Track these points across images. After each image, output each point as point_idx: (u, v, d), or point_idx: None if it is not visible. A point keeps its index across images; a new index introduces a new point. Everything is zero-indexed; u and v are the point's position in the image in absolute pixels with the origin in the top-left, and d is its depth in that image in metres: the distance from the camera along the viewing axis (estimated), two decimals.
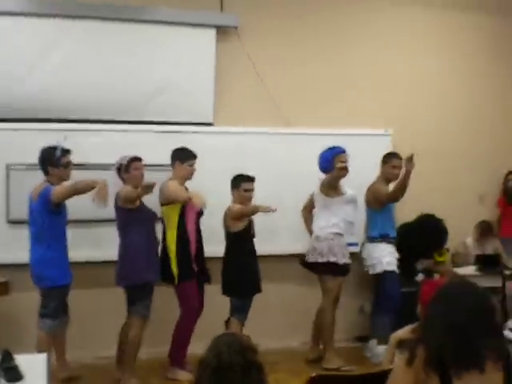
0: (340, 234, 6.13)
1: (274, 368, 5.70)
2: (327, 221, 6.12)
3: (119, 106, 6.39)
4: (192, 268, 5.65)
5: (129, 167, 5.55)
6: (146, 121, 6.49)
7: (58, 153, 5.28)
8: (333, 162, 6.06)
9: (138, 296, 5.43)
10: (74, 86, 6.26)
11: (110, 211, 5.47)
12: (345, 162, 6.06)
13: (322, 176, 6.17)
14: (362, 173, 6.54)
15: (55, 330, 5.31)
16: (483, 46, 7.73)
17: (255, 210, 5.66)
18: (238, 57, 6.71)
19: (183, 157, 5.80)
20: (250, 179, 5.84)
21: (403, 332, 3.34)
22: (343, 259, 6.07)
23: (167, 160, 5.95)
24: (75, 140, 5.98)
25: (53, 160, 5.30)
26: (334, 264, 6.05)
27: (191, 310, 5.67)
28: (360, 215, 6.42)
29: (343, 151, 6.11)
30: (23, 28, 6.18)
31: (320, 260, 6.07)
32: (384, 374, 2.83)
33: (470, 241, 7.27)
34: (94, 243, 6.16)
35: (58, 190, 5.19)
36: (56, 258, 5.23)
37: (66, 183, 5.31)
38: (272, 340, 6.43)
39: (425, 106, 7.44)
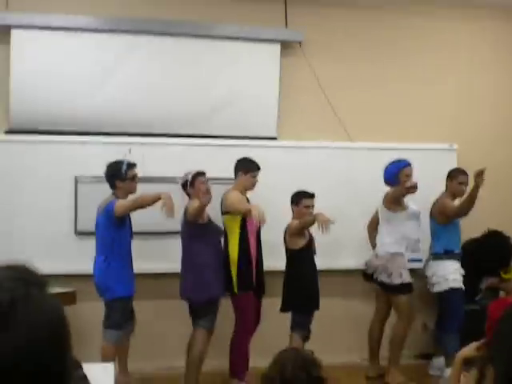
0: (399, 254, 6.06)
1: None
2: (389, 237, 6.08)
3: (184, 120, 6.49)
4: (251, 280, 5.66)
5: (194, 182, 5.62)
6: (211, 135, 6.56)
7: (124, 167, 5.40)
8: (398, 176, 6.04)
9: (203, 310, 5.48)
10: (140, 101, 6.39)
11: (175, 223, 5.54)
12: (410, 175, 6.03)
13: (387, 189, 6.15)
14: (427, 188, 6.47)
15: (119, 341, 5.40)
16: None
17: (313, 220, 5.59)
18: (302, 72, 6.74)
19: (247, 167, 5.84)
20: (311, 196, 5.82)
21: (469, 350, 3.29)
22: (398, 279, 6.00)
23: (231, 174, 6.00)
24: (140, 153, 6.13)
25: (119, 174, 5.42)
26: (395, 284, 6.01)
27: (247, 322, 5.68)
28: (424, 231, 6.33)
29: (409, 164, 6.09)
30: (91, 44, 6.37)
31: (377, 277, 6.10)
32: None
33: None
34: (160, 254, 6.23)
35: (121, 203, 5.30)
36: (119, 270, 5.34)
37: (130, 197, 5.41)
38: (334, 355, 6.38)
39: (490, 121, 7.33)
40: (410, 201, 6.17)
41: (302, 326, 5.74)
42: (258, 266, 5.77)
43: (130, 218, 5.51)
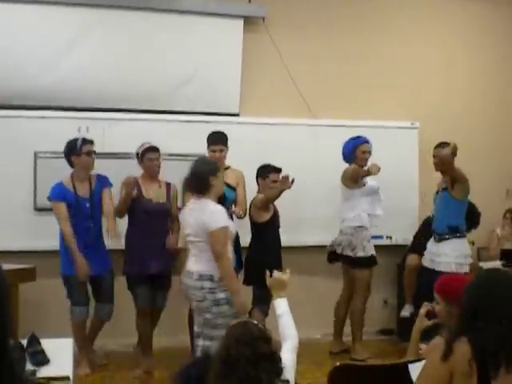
0: (361, 227, 6.11)
1: (297, 360, 5.72)
2: (351, 212, 6.11)
3: (146, 96, 6.42)
4: None
5: (142, 157, 5.69)
6: (173, 110, 6.51)
7: (79, 142, 5.44)
8: (355, 152, 6.09)
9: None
10: (102, 76, 6.30)
11: None
12: (366, 152, 6.07)
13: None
14: (388, 166, 6.52)
15: (80, 317, 5.46)
16: None
17: (280, 191, 5.52)
18: (265, 48, 6.70)
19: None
20: (278, 170, 5.81)
21: (420, 323, 3.33)
22: (361, 252, 6.06)
23: (192, 150, 5.98)
24: (101, 128, 6.08)
25: (75, 150, 5.46)
26: (359, 257, 6.05)
27: None
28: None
29: (366, 141, 6.11)
30: (52, 17, 6.22)
31: (342, 253, 6.13)
32: (408, 364, 2.83)
33: (499, 231, 7.21)
34: None
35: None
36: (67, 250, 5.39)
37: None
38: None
39: (453, 100, 7.38)
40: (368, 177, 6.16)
41: (262, 301, 5.75)
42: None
43: (93, 203, 5.52)
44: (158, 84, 6.42)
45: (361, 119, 6.84)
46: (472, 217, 6.10)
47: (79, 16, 6.28)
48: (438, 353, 2.41)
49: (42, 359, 3.35)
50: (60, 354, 3.45)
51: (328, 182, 6.48)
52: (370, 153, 6.13)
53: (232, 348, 2.43)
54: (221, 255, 4.39)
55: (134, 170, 5.97)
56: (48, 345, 3.50)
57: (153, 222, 5.55)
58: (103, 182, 5.64)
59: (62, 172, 5.79)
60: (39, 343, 3.49)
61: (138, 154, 5.67)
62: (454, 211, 5.80)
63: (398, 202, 6.76)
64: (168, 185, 5.75)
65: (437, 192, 6.05)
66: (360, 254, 6.08)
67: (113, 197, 5.61)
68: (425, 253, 5.94)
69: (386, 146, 6.72)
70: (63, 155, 5.54)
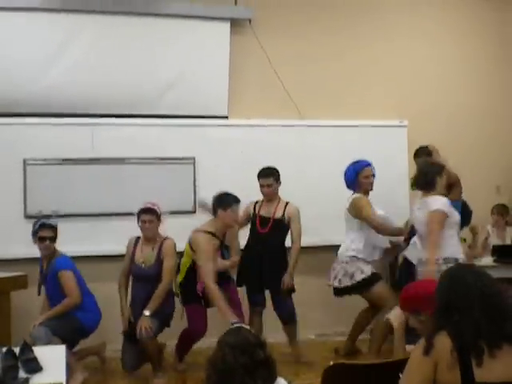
0: (357, 257, 5.78)
1: (290, 360, 5.76)
2: (351, 244, 5.84)
3: (133, 100, 6.40)
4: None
5: (138, 219, 5.52)
6: (160, 114, 6.50)
7: (36, 227, 5.31)
8: (357, 179, 5.84)
9: None
10: (89, 81, 6.28)
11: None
12: (369, 176, 5.86)
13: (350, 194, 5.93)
14: (376, 165, 6.54)
15: None
16: (505, 37, 7.67)
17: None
18: (252, 50, 6.71)
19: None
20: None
21: (399, 317, 3.31)
22: (360, 275, 5.72)
23: (181, 153, 5.99)
24: (90, 134, 6.09)
25: (33, 234, 5.34)
26: (360, 280, 5.77)
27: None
28: None
29: (366, 165, 5.88)
30: (38, 23, 6.20)
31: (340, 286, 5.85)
32: (400, 363, 2.85)
33: (489, 228, 7.23)
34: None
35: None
36: None
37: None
38: (307, 331, 6.48)
39: (441, 98, 7.38)
40: (376, 205, 5.93)
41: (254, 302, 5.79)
42: None
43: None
44: (145, 88, 6.42)
45: (350, 119, 6.85)
46: (464, 215, 6.12)
47: (65, 22, 6.26)
48: (420, 349, 2.46)
49: (34, 367, 3.35)
50: (53, 361, 3.46)
51: (317, 184, 6.50)
52: (373, 176, 5.90)
53: (228, 356, 2.38)
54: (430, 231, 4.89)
55: (123, 175, 5.99)
56: (40, 352, 3.50)
57: (139, 286, 5.48)
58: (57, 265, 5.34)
59: (52, 179, 5.80)
60: (32, 351, 3.49)
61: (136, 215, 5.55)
62: None
63: (388, 201, 6.74)
64: (161, 244, 5.50)
65: None
66: (359, 277, 5.75)
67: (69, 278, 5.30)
68: (410, 248, 5.75)
69: (375, 144, 6.75)
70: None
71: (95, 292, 5.53)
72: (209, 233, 5.38)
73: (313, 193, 6.55)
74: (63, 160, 6.13)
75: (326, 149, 6.27)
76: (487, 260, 6.63)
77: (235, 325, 3.06)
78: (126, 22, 6.41)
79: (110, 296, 5.59)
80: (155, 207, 5.46)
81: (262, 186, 5.82)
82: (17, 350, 3.50)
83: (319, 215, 6.49)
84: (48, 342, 4.77)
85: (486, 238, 7.17)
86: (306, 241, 6.30)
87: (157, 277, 5.41)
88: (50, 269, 5.28)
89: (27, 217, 6.05)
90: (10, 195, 6.06)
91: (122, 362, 5.51)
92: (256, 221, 5.86)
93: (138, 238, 5.58)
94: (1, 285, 5.33)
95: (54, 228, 5.32)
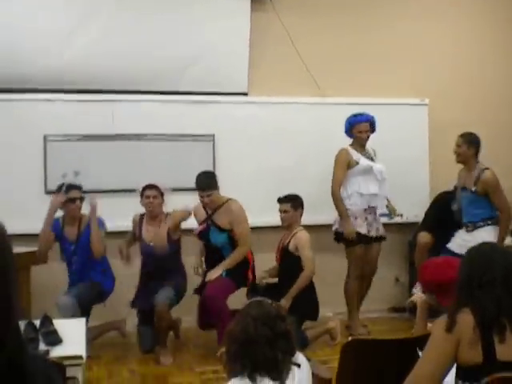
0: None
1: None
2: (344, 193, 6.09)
3: (154, 77, 6.39)
4: None
5: (142, 194, 5.61)
6: (180, 91, 6.48)
7: (64, 189, 5.37)
8: (352, 131, 6.07)
9: None
10: (110, 57, 6.26)
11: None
12: (363, 132, 6.02)
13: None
14: (398, 143, 6.52)
15: None
16: None
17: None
18: (273, 26, 6.66)
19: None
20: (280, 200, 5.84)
21: (422, 299, 3.34)
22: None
23: (200, 130, 5.97)
24: (110, 110, 6.10)
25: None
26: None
27: None
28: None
29: (364, 120, 6.04)
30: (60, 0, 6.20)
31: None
32: (418, 340, 2.84)
33: None
34: None
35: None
36: None
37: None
38: None
39: (462, 76, 7.31)
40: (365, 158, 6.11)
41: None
42: None
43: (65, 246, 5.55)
44: (165, 65, 6.39)
45: (370, 97, 6.80)
46: None
47: None
48: (443, 325, 2.44)
49: (54, 339, 3.38)
50: (72, 334, 3.49)
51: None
52: (367, 132, 6.05)
53: (250, 327, 2.40)
54: None
55: (143, 151, 6.00)
56: (60, 325, 3.53)
57: (151, 263, 5.59)
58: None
59: (72, 155, 5.82)
60: (52, 323, 3.52)
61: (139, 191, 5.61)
62: (485, 206, 5.75)
63: (408, 180, 6.74)
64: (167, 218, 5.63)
65: (461, 187, 5.95)
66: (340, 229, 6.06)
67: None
68: (454, 238, 5.87)
69: (396, 123, 6.73)
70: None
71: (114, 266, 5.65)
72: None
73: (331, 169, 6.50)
74: (83, 136, 6.14)
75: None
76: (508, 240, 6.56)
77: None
78: None
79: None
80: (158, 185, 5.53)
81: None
82: (37, 322, 3.54)
83: None
84: (73, 315, 4.85)
85: None
86: (323, 218, 6.31)
87: (164, 255, 5.55)
88: (84, 229, 5.44)
89: (47, 192, 6.07)
90: (31, 171, 6.09)
91: (139, 344, 5.59)
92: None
93: (143, 215, 5.63)
94: (21, 260, 5.36)
95: (81, 189, 5.44)
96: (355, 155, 6.07)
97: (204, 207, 5.61)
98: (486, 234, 5.61)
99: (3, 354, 1.18)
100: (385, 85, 6.95)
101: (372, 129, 6.12)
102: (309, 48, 6.77)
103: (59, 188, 5.41)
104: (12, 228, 1.62)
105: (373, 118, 6.12)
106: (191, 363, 5.37)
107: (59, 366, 2.70)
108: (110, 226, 5.89)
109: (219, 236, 5.61)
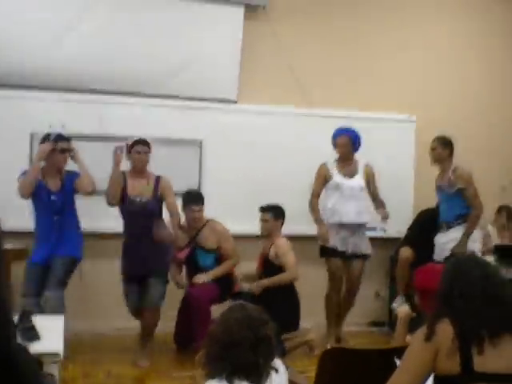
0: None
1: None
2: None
3: (144, 80, 6.40)
4: None
5: (130, 150, 5.48)
6: (170, 95, 6.48)
7: (53, 137, 5.27)
8: (334, 144, 6.15)
9: None
10: (100, 58, 6.28)
11: None
12: (340, 146, 6.08)
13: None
14: (386, 158, 6.55)
15: None
16: (509, 32, 7.64)
17: None
18: (265, 35, 6.70)
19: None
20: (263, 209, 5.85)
21: (405, 309, 3.38)
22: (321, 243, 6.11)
23: (189, 135, 5.98)
24: (98, 112, 6.10)
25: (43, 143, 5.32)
26: (325, 247, 6.10)
27: None
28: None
29: (341, 134, 6.09)
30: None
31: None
32: (397, 350, 2.85)
33: (490, 228, 7.20)
34: None
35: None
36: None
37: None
38: None
39: (450, 95, 7.37)
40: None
41: None
42: None
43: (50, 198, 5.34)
44: (156, 68, 6.40)
45: (359, 110, 6.84)
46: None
47: None
48: (422, 335, 2.45)
49: (32, 335, 3.35)
50: (50, 330, 3.46)
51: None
52: (345, 147, 6.08)
53: (233, 331, 2.38)
54: None
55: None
56: (39, 322, 3.51)
57: (137, 222, 5.42)
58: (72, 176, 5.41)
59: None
60: (30, 319, 3.49)
61: (127, 146, 5.46)
62: (459, 203, 5.93)
63: (393, 195, 6.75)
64: (157, 179, 5.54)
65: (437, 188, 6.11)
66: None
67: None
68: (435, 248, 6.00)
69: (383, 138, 6.77)
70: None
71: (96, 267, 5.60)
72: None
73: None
74: (71, 136, 6.11)
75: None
76: (489, 259, 6.60)
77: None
78: (142, 1, 6.40)
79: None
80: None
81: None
82: (15, 318, 3.51)
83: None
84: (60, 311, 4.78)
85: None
86: (305, 229, 6.29)
87: (154, 212, 5.43)
88: (67, 181, 5.31)
89: None
90: (16, 169, 6.03)
91: (127, 305, 5.55)
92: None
93: (123, 172, 5.47)
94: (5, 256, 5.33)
95: (69, 141, 5.35)
96: (333, 170, 6.15)
97: (185, 229, 5.68)
98: (459, 234, 5.84)
99: None
100: (373, 99, 6.99)
101: (354, 145, 6.13)
102: (300, 58, 6.82)
103: (47, 137, 5.29)
104: None
105: (354, 133, 6.12)
106: (168, 367, 5.35)
107: (38, 362, 2.68)
108: (97, 226, 5.89)
109: (207, 258, 5.69)
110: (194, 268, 5.74)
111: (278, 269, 5.67)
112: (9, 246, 5.37)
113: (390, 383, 2.44)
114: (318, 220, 6.09)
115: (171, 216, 5.49)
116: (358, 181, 6.17)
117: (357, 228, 6.17)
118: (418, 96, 7.20)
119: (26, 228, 5.82)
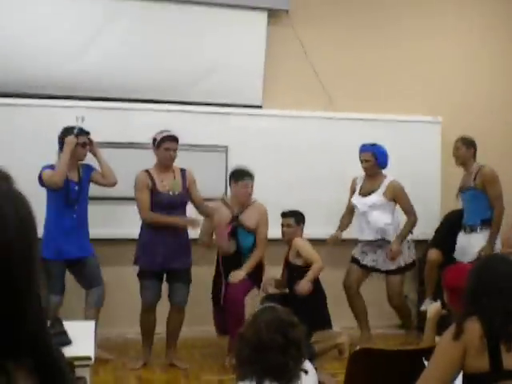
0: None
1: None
2: None
3: (168, 86, 6.44)
4: None
5: (159, 146, 5.49)
6: (195, 102, 6.52)
7: (76, 131, 5.41)
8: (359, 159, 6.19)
9: None
10: (124, 66, 6.34)
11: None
12: (363, 161, 6.12)
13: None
14: (411, 160, 6.54)
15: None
16: None
17: None
18: (289, 40, 6.70)
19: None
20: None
21: (436, 310, 3.38)
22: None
23: (214, 141, 6.04)
24: (123, 119, 6.19)
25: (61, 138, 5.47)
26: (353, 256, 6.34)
27: None
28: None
29: (363, 150, 6.11)
30: (75, 7, 6.25)
31: None
32: (425, 351, 2.85)
33: None
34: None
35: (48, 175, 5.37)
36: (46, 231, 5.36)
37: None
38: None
39: (476, 95, 7.31)
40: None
41: None
42: None
43: (71, 187, 5.46)
44: (180, 75, 6.45)
45: (383, 113, 6.83)
46: None
47: (103, 7, 6.31)
48: (450, 334, 2.46)
49: (64, 340, 3.40)
50: (81, 335, 3.51)
51: (345, 176, 6.44)
52: (367, 162, 6.10)
53: (263, 334, 2.41)
54: None
55: (154, 160, 6.03)
56: (70, 327, 3.56)
57: (170, 215, 5.42)
58: (88, 169, 5.65)
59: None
60: (62, 324, 3.54)
61: (154, 140, 5.47)
62: (485, 205, 5.93)
63: (419, 197, 6.70)
64: (183, 172, 5.56)
65: (460, 189, 6.09)
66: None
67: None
68: (456, 247, 6.05)
69: (409, 140, 6.76)
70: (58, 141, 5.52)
71: (112, 274, 5.75)
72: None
73: (345, 185, 6.51)
74: (97, 143, 6.18)
75: (357, 142, 6.21)
76: None
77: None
78: (164, 8, 6.44)
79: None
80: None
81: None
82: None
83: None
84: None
85: None
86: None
87: (185, 204, 5.53)
88: (85, 173, 5.57)
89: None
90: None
91: (143, 299, 5.49)
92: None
93: (147, 170, 5.51)
94: None
95: (89, 134, 5.55)
96: (358, 185, 6.28)
97: (229, 206, 5.70)
98: (481, 241, 5.88)
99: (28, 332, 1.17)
100: (398, 102, 6.96)
101: (378, 161, 6.11)
102: (324, 62, 6.80)
103: (71, 129, 5.44)
104: None
105: (379, 149, 6.10)
106: (197, 372, 5.38)
107: (70, 365, 2.71)
108: (120, 233, 5.94)
109: (247, 238, 5.68)
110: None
111: (299, 268, 5.68)
112: None
113: (419, 382, 2.44)
114: (337, 229, 6.27)
115: (198, 207, 5.58)
116: (372, 198, 6.16)
117: (374, 244, 6.20)
118: (443, 97, 7.16)
119: None
